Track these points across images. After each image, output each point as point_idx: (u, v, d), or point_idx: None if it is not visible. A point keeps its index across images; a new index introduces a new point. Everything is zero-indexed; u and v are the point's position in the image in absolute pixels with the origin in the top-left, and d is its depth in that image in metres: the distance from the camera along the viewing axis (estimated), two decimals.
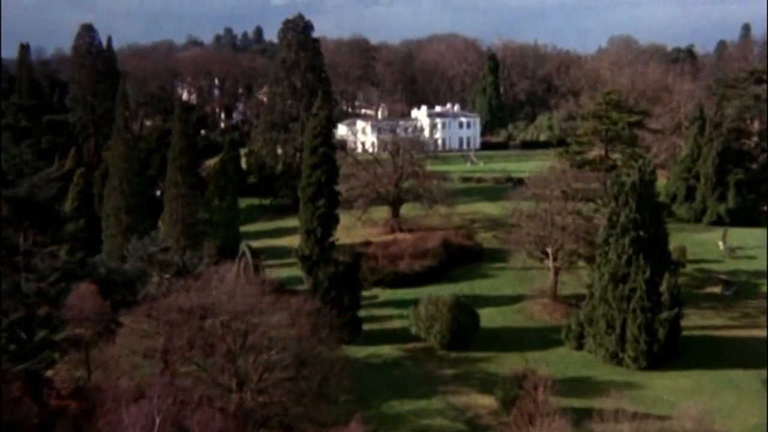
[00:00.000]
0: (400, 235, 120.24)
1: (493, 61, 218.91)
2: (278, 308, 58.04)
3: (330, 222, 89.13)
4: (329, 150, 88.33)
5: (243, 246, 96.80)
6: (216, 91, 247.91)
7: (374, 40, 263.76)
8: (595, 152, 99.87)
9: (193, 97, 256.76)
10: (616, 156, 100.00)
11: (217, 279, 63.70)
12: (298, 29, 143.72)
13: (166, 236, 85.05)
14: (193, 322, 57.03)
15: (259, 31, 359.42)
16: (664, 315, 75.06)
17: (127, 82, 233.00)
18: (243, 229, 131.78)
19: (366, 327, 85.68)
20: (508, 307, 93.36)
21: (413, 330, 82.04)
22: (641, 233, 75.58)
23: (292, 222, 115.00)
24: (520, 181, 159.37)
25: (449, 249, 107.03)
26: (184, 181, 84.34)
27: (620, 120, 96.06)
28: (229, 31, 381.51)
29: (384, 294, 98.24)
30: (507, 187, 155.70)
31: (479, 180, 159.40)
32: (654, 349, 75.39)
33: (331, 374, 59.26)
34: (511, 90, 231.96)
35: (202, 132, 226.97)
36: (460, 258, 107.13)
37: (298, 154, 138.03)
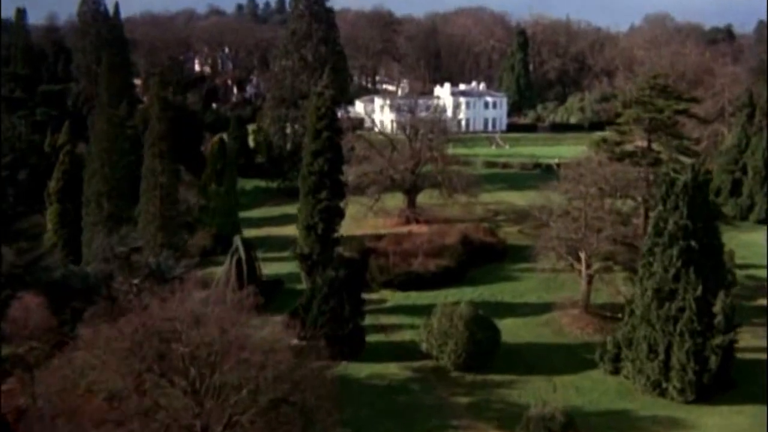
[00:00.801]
0: (415, 227, 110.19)
1: (523, 37, 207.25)
2: (255, 336, 47.84)
3: (333, 217, 79.28)
4: (334, 134, 78.12)
5: (236, 240, 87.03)
6: (228, 63, 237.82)
7: (399, 13, 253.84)
8: (637, 143, 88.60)
9: (207, 68, 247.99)
10: (660, 148, 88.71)
11: (188, 290, 53.40)
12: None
13: (144, 232, 74.91)
14: (153, 344, 47.03)
15: (281, 1, 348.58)
16: (717, 340, 64.55)
17: (138, 51, 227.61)
18: (246, 214, 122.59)
19: (371, 339, 75.52)
20: (533, 318, 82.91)
21: (424, 347, 71.77)
22: (692, 243, 64.92)
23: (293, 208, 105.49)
24: (548, 168, 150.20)
25: (469, 246, 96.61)
26: (163, 169, 74.13)
27: (666, 107, 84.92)
28: (251, 0, 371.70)
29: (394, 297, 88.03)
30: (534, 173, 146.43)
31: (504, 166, 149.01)
32: (704, 379, 64.91)
33: (318, 403, 49.10)
34: (540, 68, 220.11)
35: (214, 105, 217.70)
36: (481, 257, 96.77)
37: (304, 135, 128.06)
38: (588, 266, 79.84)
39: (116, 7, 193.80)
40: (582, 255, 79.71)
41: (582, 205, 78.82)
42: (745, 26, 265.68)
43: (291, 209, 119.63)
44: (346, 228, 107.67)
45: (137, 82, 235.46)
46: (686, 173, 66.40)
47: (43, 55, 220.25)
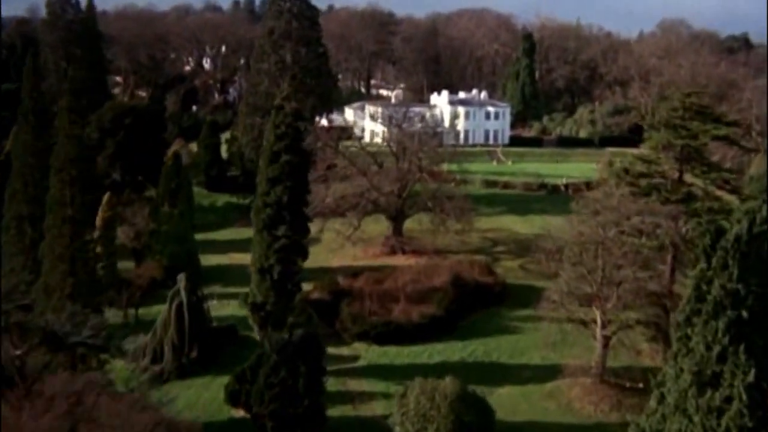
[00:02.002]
0: (401, 259, 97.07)
1: (529, 42, 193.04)
2: None
3: (293, 258, 65.18)
4: (296, 157, 63.94)
5: (179, 279, 73.15)
6: (214, 62, 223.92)
7: (399, 12, 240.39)
8: (666, 173, 74.50)
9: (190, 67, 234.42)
10: (693, 180, 74.69)
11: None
12: None
13: (49, 279, 60.62)
14: None
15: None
16: None
17: (116, 47, 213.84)
18: (212, 236, 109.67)
19: (334, 412, 61.55)
20: (536, 386, 68.93)
21: (397, 431, 57.60)
22: (743, 314, 50.70)
23: None
24: (554, 189, 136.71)
25: (461, 288, 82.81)
26: (73, 199, 59.86)
27: (703, 133, 70.87)
28: None
29: (368, 354, 74.20)
30: (539, 195, 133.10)
31: (506, 185, 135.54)
32: None
33: None
34: (547, 76, 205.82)
35: (194, 108, 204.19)
36: (475, 301, 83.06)
37: None
38: (604, 325, 65.83)
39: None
40: (597, 313, 65.71)
41: (599, 252, 64.66)
42: (761, 35, 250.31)
43: None
44: (320, 258, 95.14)
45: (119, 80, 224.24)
46: (738, 220, 52.16)
47: (13, 49, 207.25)
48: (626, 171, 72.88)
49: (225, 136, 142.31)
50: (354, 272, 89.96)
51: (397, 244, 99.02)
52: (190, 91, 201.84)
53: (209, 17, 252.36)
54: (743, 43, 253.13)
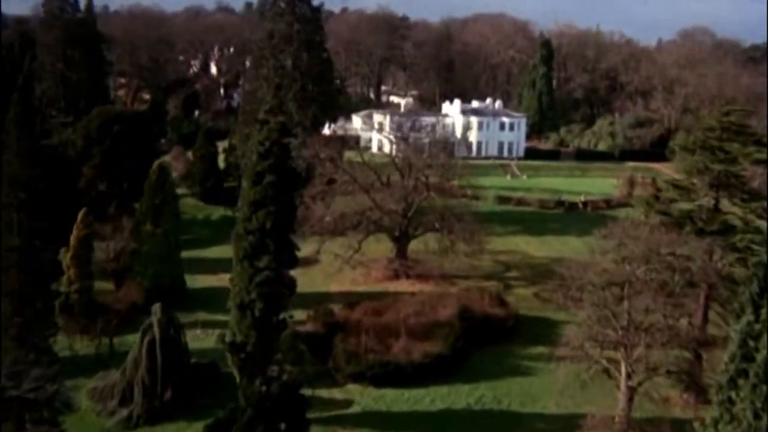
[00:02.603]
0: (404, 284, 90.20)
1: (547, 49, 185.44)
2: None
3: (278, 292, 57.81)
4: (282, 179, 56.65)
5: (154, 311, 66.08)
6: (220, 65, 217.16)
7: (413, 16, 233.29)
8: (700, 200, 66.80)
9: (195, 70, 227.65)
10: (731, 209, 66.98)
11: None
12: None
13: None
14: None
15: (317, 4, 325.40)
16: None
17: (118, 49, 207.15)
18: (204, 253, 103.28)
19: None
20: None
21: None
22: None
23: None
24: (572, 207, 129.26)
25: (469, 322, 75.33)
26: (21, 226, 52.36)
27: (744, 156, 63.25)
28: None
29: (364, 398, 66.75)
30: (556, 213, 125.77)
31: (520, 202, 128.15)
32: None
33: None
34: (565, 85, 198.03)
35: (196, 113, 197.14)
36: (484, 336, 75.42)
37: None
38: (630, 375, 58.26)
39: None
40: (622, 362, 58.18)
41: (624, 293, 57.10)
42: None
43: None
44: (317, 282, 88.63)
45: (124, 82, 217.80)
46: None
47: (11, 49, 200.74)
48: (656, 197, 65.21)
49: (224, 144, 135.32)
50: (352, 301, 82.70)
51: (400, 268, 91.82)
52: (191, 96, 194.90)
53: (218, 18, 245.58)
54: (766, 52, 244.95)
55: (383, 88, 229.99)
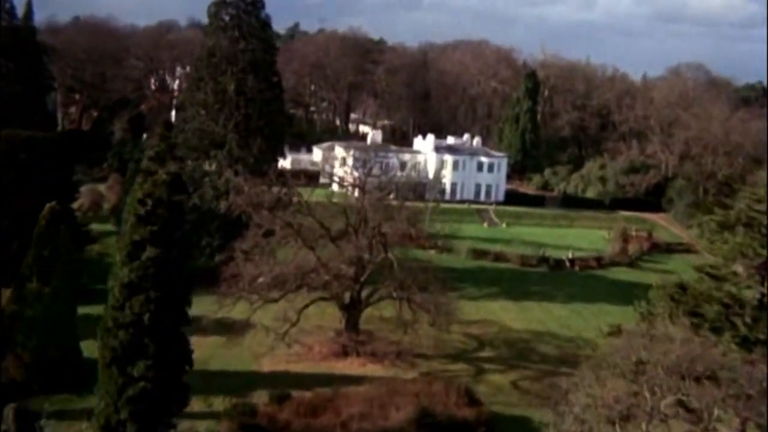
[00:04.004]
0: (353, 364, 75.22)
1: (532, 81, 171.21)
2: None
3: (160, 412, 41.92)
4: (168, 253, 40.82)
5: (6, 414, 50.13)
6: (172, 82, 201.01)
7: (391, 40, 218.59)
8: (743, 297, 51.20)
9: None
10: None
11: None
12: (241, 5, 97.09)
13: None
14: None
15: (267, 18, 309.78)
16: None
17: (61, 62, 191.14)
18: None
19: None
20: None
21: None
22: None
23: (205, 304, 70.78)
24: (558, 265, 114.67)
25: (429, 429, 59.44)
26: None
27: None
28: None
29: None
30: (539, 272, 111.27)
31: (498, 257, 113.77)
32: None
33: None
34: (552, 122, 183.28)
35: (144, 136, 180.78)
36: None
37: (218, 202, 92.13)
38: None
39: (28, 6, 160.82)
40: None
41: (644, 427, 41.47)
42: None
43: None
44: (245, 358, 74.05)
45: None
46: None
47: None
48: (683, 288, 49.74)
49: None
50: (287, 385, 66.96)
51: (349, 344, 76.19)
52: (137, 117, 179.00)
53: (186, 35, 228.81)
54: (761, 92, 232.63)
55: (353, 116, 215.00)
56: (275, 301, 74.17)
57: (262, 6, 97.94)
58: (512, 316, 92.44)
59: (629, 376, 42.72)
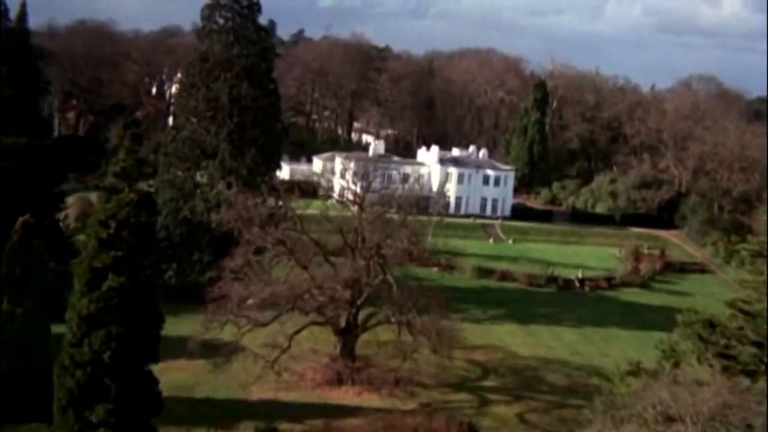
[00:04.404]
0: (348, 394, 70.83)
1: (541, 91, 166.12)
2: None
3: None
4: (136, 280, 36.06)
5: None
6: (167, 87, 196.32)
7: (396, 48, 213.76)
8: None
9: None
10: None
11: None
12: (236, 8, 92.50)
13: None
14: None
15: (272, 24, 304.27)
16: None
17: (56, 67, 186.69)
18: None
19: None
20: None
21: None
22: None
23: (193, 324, 68.65)
24: (567, 284, 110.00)
25: None
26: None
27: None
28: None
29: None
30: (547, 292, 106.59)
31: (504, 276, 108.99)
32: None
33: None
34: (561, 134, 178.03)
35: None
36: None
37: (209, 215, 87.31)
38: None
39: (22, 7, 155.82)
40: None
41: None
42: None
43: (173, 326, 79.90)
44: (233, 385, 69.91)
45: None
46: None
47: None
48: (712, 326, 44.81)
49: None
50: (274, 417, 62.36)
51: (345, 371, 71.53)
52: (133, 123, 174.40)
53: (191, 40, 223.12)
54: None
55: (356, 125, 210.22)
56: (265, 325, 69.46)
57: (259, 9, 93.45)
58: (519, 340, 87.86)
59: (652, 426, 37.82)
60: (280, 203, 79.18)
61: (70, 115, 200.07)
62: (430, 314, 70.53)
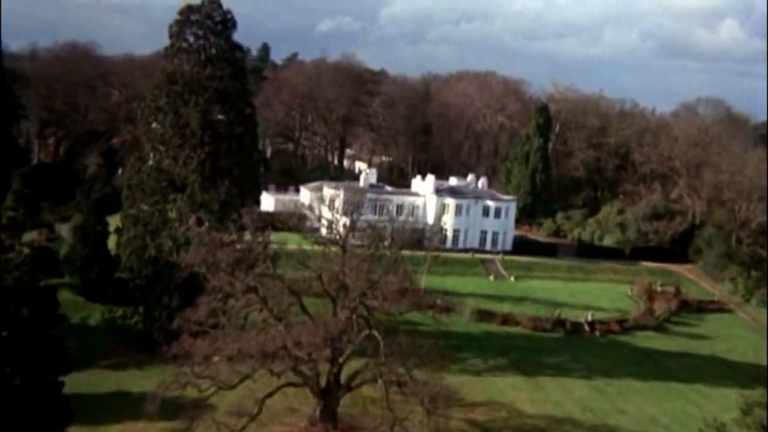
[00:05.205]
0: None
1: (544, 116, 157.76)
2: None
3: None
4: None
5: None
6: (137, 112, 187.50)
7: (392, 71, 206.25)
8: None
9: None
10: None
11: None
12: (208, 24, 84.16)
13: None
14: None
15: (265, 49, 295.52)
16: None
17: (33, 91, 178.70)
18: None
19: None
20: None
21: None
22: None
23: (154, 377, 64.28)
24: (576, 329, 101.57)
25: None
26: None
27: None
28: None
29: None
30: (554, 338, 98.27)
31: (506, 320, 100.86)
32: None
33: None
34: (564, 161, 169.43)
35: (119, 171, 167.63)
36: None
37: (178, 255, 78.39)
38: None
39: None
40: None
41: None
42: None
43: (140, 379, 72.01)
44: None
45: None
46: None
47: None
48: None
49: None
50: None
51: None
52: (110, 151, 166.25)
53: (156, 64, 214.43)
54: None
55: (349, 152, 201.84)
56: (232, 387, 60.64)
57: (234, 26, 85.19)
58: (524, 396, 79.44)
59: None
60: (254, 241, 70.40)
61: (51, 141, 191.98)
62: (423, 368, 62.02)
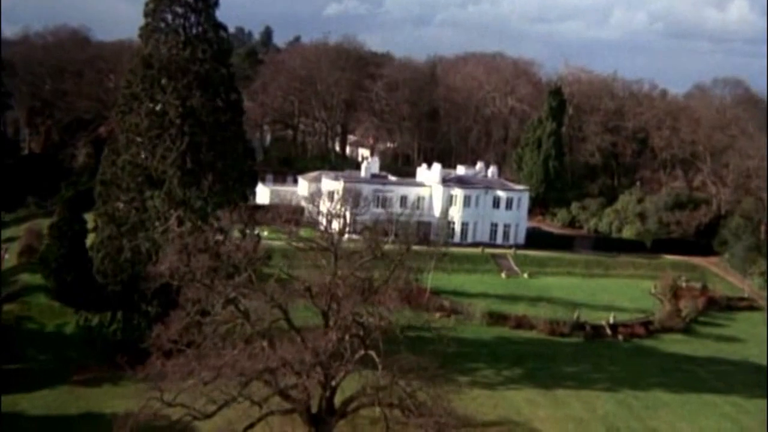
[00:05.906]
0: None
1: (558, 99, 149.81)
2: None
3: None
4: None
5: None
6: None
7: (398, 54, 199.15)
8: None
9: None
10: None
11: None
12: (188, 1, 76.56)
13: None
14: None
15: (267, 33, 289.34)
16: None
17: (19, 79, 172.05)
18: (21, 404, 67.45)
19: None
20: None
21: None
22: None
23: (128, 394, 57.50)
24: (596, 331, 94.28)
25: None
26: None
27: None
28: (240, 30, 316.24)
29: None
30: (573, 342, 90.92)
31: (520, 323, 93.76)
32: None
33: None
34: (580, 147, 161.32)
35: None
36: None
37: (156, 255, 71.24)
38: None
39: None
40: None
41: None
42: None
43: (113, 398, 65.33)
44: None
45: None
46: None
47: None
48: None
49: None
50: None
51: None
52: (97, 141, 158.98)
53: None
54: None
55: (351, 138, 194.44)
56: (207, 417, 53.31)
57: (216, 3, 77.39)
58: (542, 412, 72.30)
59: None
60: (239, 245, 62.93)
61: (42, 130, 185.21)
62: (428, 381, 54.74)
